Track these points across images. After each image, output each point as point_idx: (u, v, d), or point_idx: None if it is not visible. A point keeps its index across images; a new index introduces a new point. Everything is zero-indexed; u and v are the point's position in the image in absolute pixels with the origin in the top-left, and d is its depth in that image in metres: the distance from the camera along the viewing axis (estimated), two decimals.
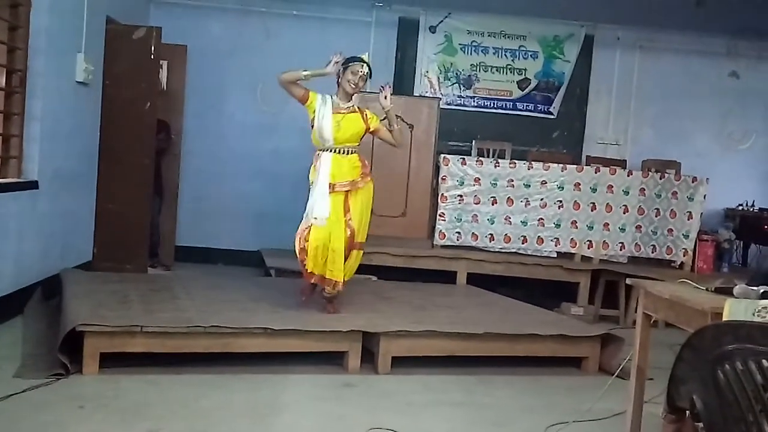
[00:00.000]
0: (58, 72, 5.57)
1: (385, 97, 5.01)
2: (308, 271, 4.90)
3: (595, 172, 6.96)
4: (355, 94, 5.05)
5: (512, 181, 6.89)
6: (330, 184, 4.88)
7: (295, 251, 4.99)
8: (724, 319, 1.93)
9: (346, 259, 4.94)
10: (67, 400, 3.66)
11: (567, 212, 6.90)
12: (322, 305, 5.01)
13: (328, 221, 4.84)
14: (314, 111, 4.94)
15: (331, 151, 4.94)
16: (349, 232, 4.93)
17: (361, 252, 5.12)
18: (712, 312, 2.66)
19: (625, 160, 8.11)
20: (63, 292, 5.02)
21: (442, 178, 6.89)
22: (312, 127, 4.97)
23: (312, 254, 4.85)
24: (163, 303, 4.92)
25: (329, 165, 4.91)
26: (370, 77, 5.11)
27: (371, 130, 5.06)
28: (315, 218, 4.85)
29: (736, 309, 1.92)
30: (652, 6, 7.52)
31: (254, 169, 8.14)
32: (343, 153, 4.96)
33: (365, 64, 5.00)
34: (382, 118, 5.11)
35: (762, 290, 2.50)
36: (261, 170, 8.13)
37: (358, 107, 5.06)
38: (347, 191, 4.94)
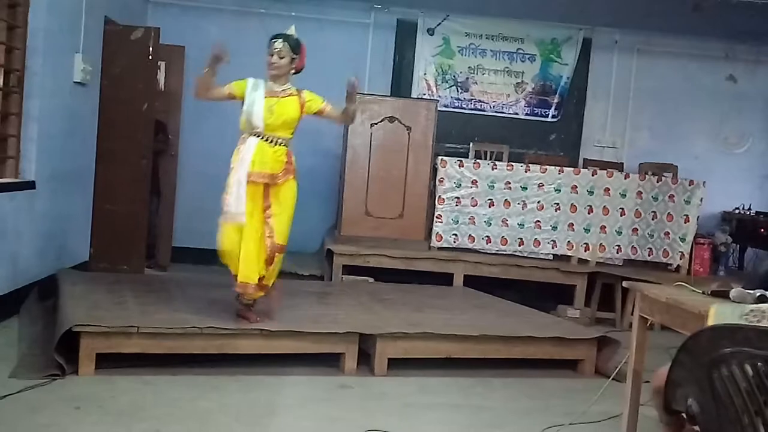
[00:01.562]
0: (55, 72, 5.56)
1: (349, 95, 4.55)
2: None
3: (592, 175, 6.97)
4: (285, 75, 4.54)
5: (509, 183, 6.89)
6: (247, 172, 4.39)
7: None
8: (709, 323, 1.94)
9: (270, 262, 4.50)
10: (63, 400, 3.65)
11: (564, 215, 6.91)
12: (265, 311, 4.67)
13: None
14: (243, 96, 4.50)
15: (258, 137, 4.45)
16: (269, 233, 4.48)
17: (282, 256, 4.59)
18: (708, 315, 2.66)
19: (622, 163, 8.12)
20: (59, 293, 5.01)
21: (440, 180, 6.89)
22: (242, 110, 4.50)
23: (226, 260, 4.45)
24: (160, 304, 4.91)
25: (252, 151, 4.41)
26: (298, 52, 4.54)
27: (314, 111, 4.60)
28: (227, 212, 4.37)
29: (722, 313, 1.92)
30: (650, 10, 7.53)
31: None
32: (272, 142, 4.46)
33: (281, 39, 4.49)
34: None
35: (758, 294, 2.50)
36: None
37: (297, 89, 4.59)
38: (266, 185, 4.45)
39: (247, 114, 4.46)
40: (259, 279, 4.47)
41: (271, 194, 4.49)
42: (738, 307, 1.88)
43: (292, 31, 4.60)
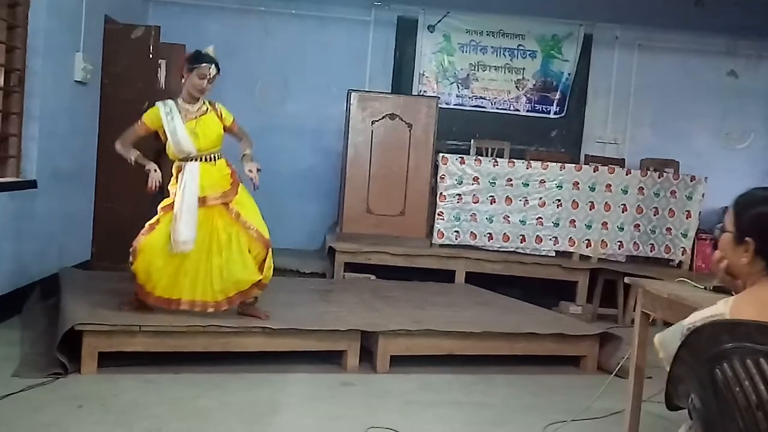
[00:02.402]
0: (56, 71, 5.57)
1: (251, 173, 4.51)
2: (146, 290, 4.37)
3: (594, 171, 6.96)
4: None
5: (511, 180, 6.88)
6: (200, 198, 4.36)
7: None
8: (659, 354, 1.95)
9: (263, 260, 4.47)
10: (65, 399, 3.66)
11: (565, 211, 6.90)
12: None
13: (196, 243, 4.31)
14: (161, 127, 4.40)
15: (196, 159, 4.39)
16: (255, 234, 4.43)
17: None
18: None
19: (624, 159, 8.11)
20: (61, 292, 5.01)
21: (441, 177, 6.89)
22: (165, 141, 4.42)
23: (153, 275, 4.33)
24: None
25: (197, 176, 4.35)
26: (218, 74, 4.46)
27: (227, 127, 4.56)
28: (183, 242, 4.27)
29: (664, 339, 1.93)
30: (651, 5, 7.52)
31: None
32: (211, 160, 4.43)
33: (213, 65, 4.39)
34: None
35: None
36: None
37: (209, 102, 4.54)
38: (223, 203, 4.43)
39: (174, 144, 4.37)
40: (258, 280, 4.46)
41: (231, 204, 4.45)
42: (678, 327, 1.89)
43: (212, 51, 4.48)
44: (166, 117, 4.38)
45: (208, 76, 4.37)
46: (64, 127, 5.78)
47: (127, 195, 6.59)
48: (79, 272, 5.85)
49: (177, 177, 4.43)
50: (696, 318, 1.85)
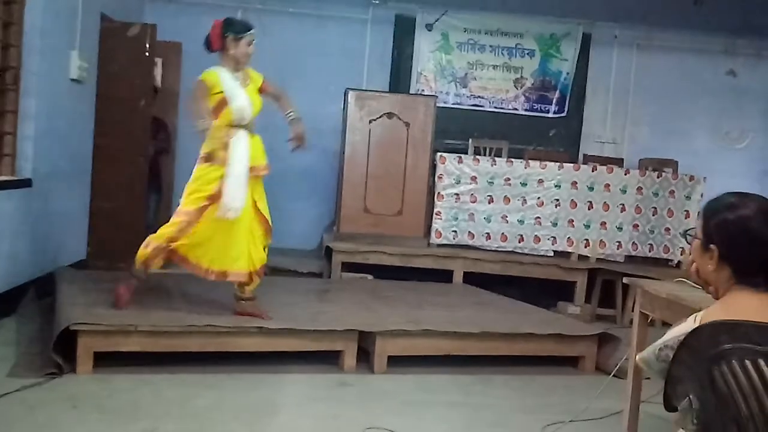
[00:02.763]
0: (52, 69, 5.54)
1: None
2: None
3: (592, 171, 6.95)
4: None
5: (509, 179, 6.87)
6: (250, 167, 4.39)
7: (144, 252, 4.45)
8: (645, 371, 1.94)
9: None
10: (61, 399, 3.64)
11: (564, 211, 6.89)
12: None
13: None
14: (219, 92, 4.35)
15: (245, 129, 4.42)
16: (262, 219, 4.51)
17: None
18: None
19: (623, 159, 8.11)
20: (57, 291, 5.00)
21: (439, 177, 6.87)
22: (215, 108, 4.34)
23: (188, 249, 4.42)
24: (158, 302, 4.88)
25: (248, 146, 4.40)
26: None
27: (261, 88, 4.57)
28: (233, 210, 4.29)
29: (647, 359, 1.92)
30: (650, 4, 7.52)
31: None
32: (253, 133, 4.50)
33: (252, 30, 4.52)
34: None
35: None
36: None
37: (247, 71, 4.55)
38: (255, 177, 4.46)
39: (238, 109, 4.37)
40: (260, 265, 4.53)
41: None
42: (654, 346, 1.89)
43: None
44: (227, 80, 4.37)
45: (252, 41, 4.45)
46: (59, 126, 5.75)
47: (123, 194, 6.59)
48: (74, 272, 5.83)
49: (222, 147, 4.30)
50: (669, 336, 1.85)
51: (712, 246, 1.87)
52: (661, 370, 1.83)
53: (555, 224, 6.90)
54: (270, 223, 4.58)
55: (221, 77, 4.38)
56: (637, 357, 1.97)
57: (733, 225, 1.84)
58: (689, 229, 2.03)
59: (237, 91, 4.39)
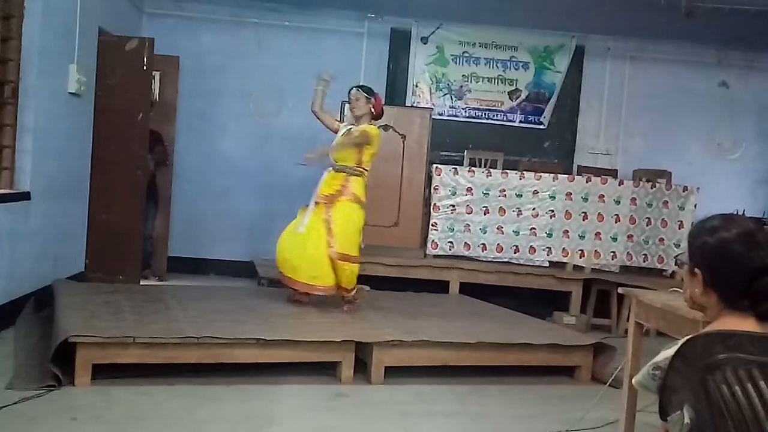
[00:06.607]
0: (50, 83, 5.57)
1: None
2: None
3: (587, 182, 7.00)
4: (362, 118, 5.54)
5: (504, 190, 6.91)
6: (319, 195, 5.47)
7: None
8: (639, 389, 1.95)
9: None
10: (60, 411, 3.64)
11: (559, 222, 6.93)
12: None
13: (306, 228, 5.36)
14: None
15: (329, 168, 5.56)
16: (330, 241, 5.34)
17: (347, 264, 5.37)
18: (703, 321, 2.67)
19: (617, 170, 8.15)
20: (55, 303, 5.00)
21: (435, 188, 6.91)
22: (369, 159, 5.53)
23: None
24: (156, 314, 4.91)
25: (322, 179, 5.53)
26: (368, 98, 5.54)
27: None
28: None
29: (643, 381, 1.93)
30: (643, 17, 7.56)
31: (247, 180, 8.14)
32: (335, 170, 5.54)
33: (359, 88, 5.61)
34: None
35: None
36: (254, 181, 8.13)
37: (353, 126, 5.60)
38: (324, 204, 5.39)
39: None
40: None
41: (332, 209, 5.38)
42: (646, 368, 1.89)
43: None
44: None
45: (352, 97, 5.61)
46: (58, 139, 5.78)
47: (121, 206, 6.60)
48: (73, 284, 5.84)
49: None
50: (660, 358, 1.82)
51: (697, 270, 1.85)
52: (658, 387, 1.84)
53: (550, 235, 6.94)
54: (334, 247, 5.44)
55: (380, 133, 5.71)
56: (633, 381, 1.98)
57: (713, 249, 1.81)
58: (679, 254, 2.05)
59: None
